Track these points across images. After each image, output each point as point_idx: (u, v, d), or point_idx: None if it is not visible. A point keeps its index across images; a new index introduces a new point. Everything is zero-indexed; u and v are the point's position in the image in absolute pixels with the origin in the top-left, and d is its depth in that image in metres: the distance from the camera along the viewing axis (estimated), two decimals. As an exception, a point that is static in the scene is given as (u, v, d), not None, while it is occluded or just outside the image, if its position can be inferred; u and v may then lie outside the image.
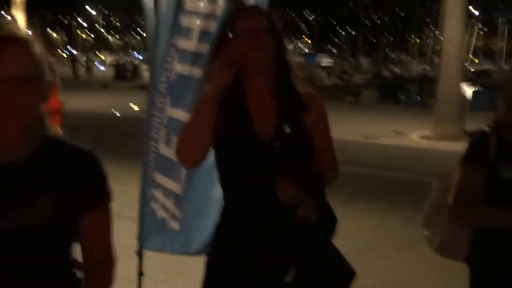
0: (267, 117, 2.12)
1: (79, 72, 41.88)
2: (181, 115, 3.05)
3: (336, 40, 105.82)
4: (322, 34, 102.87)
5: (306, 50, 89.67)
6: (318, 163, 2.18)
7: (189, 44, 3.13)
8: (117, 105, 20.55)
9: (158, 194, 3.24)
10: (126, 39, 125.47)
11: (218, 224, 2.23)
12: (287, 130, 2.09)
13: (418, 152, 12.58)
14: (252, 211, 2.09)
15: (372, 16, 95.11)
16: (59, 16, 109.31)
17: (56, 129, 8.33)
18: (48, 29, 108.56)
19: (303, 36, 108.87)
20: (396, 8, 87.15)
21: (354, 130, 14.93)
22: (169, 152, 3.09)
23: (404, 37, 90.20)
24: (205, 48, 2.94)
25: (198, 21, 3.08)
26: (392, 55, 69.65)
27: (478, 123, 2.56)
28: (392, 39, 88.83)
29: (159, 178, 3.24)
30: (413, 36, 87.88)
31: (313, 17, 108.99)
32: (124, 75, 41.06)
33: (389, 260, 5.75)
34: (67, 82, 35.30)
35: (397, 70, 40.79)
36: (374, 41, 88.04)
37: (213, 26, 2.99)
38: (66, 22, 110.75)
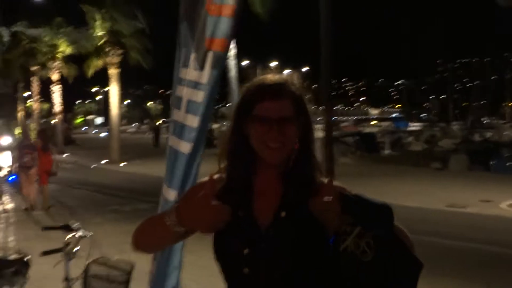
0: (270, 203, 1.86)
1: (161, 140, 42.56)
2: (172, 195, 2.91)
3: (425, 104, 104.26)
4: (411, 99, 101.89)
5: (394, 115, 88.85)
6: None
7: (179, 115, 2.94)
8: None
9: None
10: (218, 108, 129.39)
11: None
12: (283, 214, 1.82)
13: (507, 222, 11.74)
14: None
15: (463, 80, 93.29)
16: (152, 87, 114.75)
17: (44, 187, 8.62)
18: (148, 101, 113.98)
19: (392, 102, 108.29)
20: (486, 72, 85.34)
21: (439, 198, 14.32)
22: None
23: (496, 101, 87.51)
24: (190, 119, 2.84)
25: (185, 89, 2.91)
26: (483, 119, 67.32)
27: None
28: (482, 103, 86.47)
29: None
30: (507, 101, 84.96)
31: (402, 81, 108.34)
32: (210, 142, 41.37)
33: None
34: (151, 149, 36.21)
35: (487, 135, 38.95)
36: (464, 105, 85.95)
37: (198, 95, 2.83)
38: (161, 93, 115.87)
